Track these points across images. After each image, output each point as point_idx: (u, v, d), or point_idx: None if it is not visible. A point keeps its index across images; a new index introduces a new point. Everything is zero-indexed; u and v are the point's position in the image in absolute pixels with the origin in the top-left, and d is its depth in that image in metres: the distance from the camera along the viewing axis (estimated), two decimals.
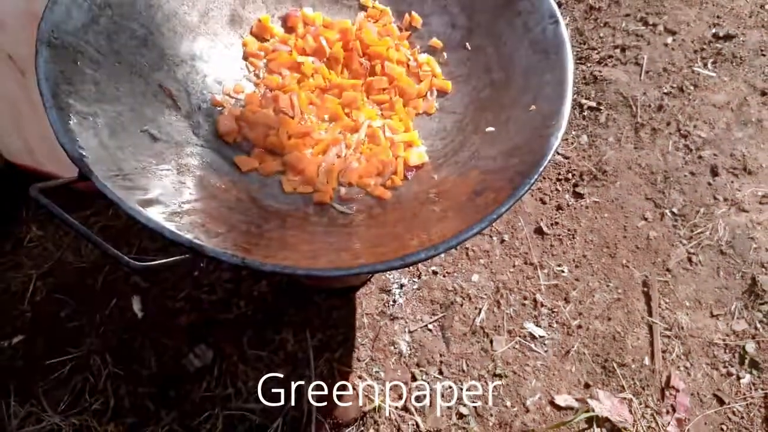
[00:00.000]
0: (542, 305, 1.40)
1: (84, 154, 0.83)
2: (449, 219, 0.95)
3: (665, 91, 1.84)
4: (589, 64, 1.89)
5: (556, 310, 1.39)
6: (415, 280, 1.40)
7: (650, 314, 1.40)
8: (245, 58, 1.22)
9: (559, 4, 1.14)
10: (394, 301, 1.37)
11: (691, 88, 1.85)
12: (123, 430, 1.14)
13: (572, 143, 1.72)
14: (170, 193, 0.91)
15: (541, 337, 1.34)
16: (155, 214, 0.81)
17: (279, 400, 1.20)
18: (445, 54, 1.26)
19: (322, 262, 0.85)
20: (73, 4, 0.95)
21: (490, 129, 1.12)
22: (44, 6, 0.91)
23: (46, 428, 1.13)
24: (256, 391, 1.21)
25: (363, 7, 1.30)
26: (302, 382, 1.22)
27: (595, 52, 1.92)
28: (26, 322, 1.28)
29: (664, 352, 1.34)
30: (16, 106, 1.23)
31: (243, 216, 0.96)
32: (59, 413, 1.15)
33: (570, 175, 1.65)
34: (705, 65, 1.91)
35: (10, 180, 1.41)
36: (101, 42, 0.98)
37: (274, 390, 1.21)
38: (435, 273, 1.42)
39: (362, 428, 1.18)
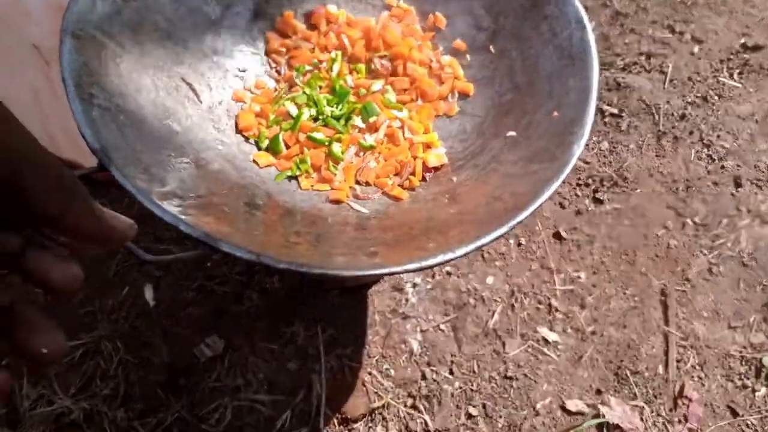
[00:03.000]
0: (557, 310, 1.39)
1: (104, 145, 0.83)
2: (467, 223, 0.94)
3: (689, 100, 1.81)
4: (612, 71, 1.87)
5: (570, 315, 1.38)
6: (429, 279, 1.39)
7: (666, 323, 1.39)
8: (267, 53, 1.22)
9: (585, 8, 1.13)
10: (407, 300, 1.36)
11: (716, 98, 1.82)
12: (133, 416, 1.16)
13: (593, 149, 1.70)
14: (187, 186, 0.91)
15: (554, 341, 1.33)
16: (171, 207, 0.82)
17: (288, 393, 1.20)
18: (468, 56, 1.25)
19: (337, 262, 0.85)
20: None
21: (512, 133, 1.11)
22: None
23: (57, 411, 1.15)
24: (266, 383, 1.22)
25: (387, 6, 1.29)
26: (312, 376, 1.22)
27: (620, 58, 1.90)
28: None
29: (678, 361, 1.33)
30: (38, 96, 1.24)
31: (259, 212, 0.96)
32: (70, 397, 1.17)
33: (590, 180, 1.63)
34: (731, 75, 1.88)
35: None
36: (125, 34, 0.99)
37: (283, 383, 1.22)
38: (449, 274, 1.41)
39: (371, 424, 1.18)
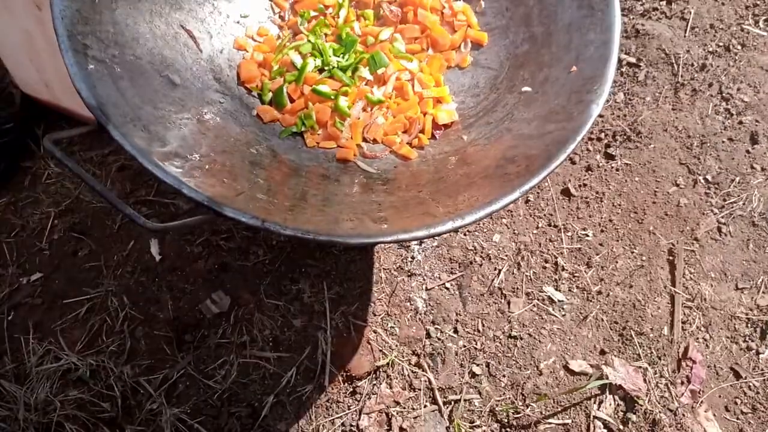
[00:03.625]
0: (563, 269, 1.37)
1: (101, 101, 0.79)
2: (477, 186, 0.91)
3: (710, 49, 1.73)
4: (632, 16, 1.78)
5: (577, 274, 1.37)
6: (435, 237, 1.37)
7: (673, 284, 1.37)
8: None
9: None
10: (413, 258, 1.35)
11: (738, 47, 1.74)
12: (139, 372, 1.16)
13: (607, 101, 1.64)
14: (189, 145, 0.87)
15: (559, 301, 1.32)
16: (173, 169, 0.79)
17: (294, 351, 1.21)
18: (482, 3, 1.18)
19: (344, 228, 0.83)
20: None
21: (527, 89, 1.06)
22: None
23: (63, 366, 1.15)
24: (272, 340, 1.22)
25: None
26: (317, 334, 1.22)
27: (639, 3, 1.80)
28: (44, 260, 1.29)
29: (684, 322, 1.32)
30: (32, 40, 1.18)
31: (264, 172, 0.92)
32: (76, 353, 1.17)
33: (603, 134, 1.58)
34: (756, 23, 1.79)
35: (26, 112, 1.38)
36: None
37: (288, 340, 1.22)
38: (455, 231, 1.39)
39: (375, 382, 1.19)
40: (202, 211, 0.76)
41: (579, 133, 0.90)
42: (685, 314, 1.33)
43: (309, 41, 1.10)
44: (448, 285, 1.33)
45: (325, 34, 1.13)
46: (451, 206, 0.86)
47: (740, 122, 1.61)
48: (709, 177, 1.53)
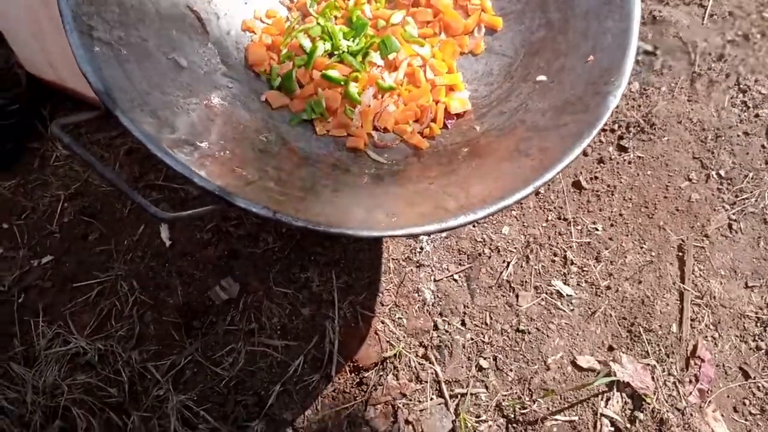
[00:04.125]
0: (572, 263, 1.35)
1: (108, 85, 0.77)
2: (490, 179, 0.89)
3: (729, 38, 1.69)
4: (649, 2, 1.74)
5: (586, 269, 1.35)
6: None
7: (683, 280, 1.36)
8: None
9: None
10: (421, 248, 1.33)
11: (758, 36, 1.70)
12: (146, 357, 1.16)
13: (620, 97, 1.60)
14: (198, 132, 0.86)
15: (568, 295, 1.31)
16: (183, 156, 0.77)
17: (301, 339, 1.20)
18: None
19: (355, 220, 0.81)
20: None
21: (542, 78, 1.04)
22: None
23: (72, 350, 1.15)
24: (280, 328, 1.21)
25: None
26: (325, 323, 1.22)
27: None
28: (54, 243, 1.28)
29: (693, 320, 1.31)
30: (37, 20, 1.16)
31: (274, 160, 0.91)
32: (85, 337, 1.17)
33: (616, 126, 1.56)
34: None
35: (32, 93, 1.36)
36: None
37: (296, 328, 1.21)
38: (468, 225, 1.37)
39: (382, 373, 1.19)
40: (213, 200, 0.75)
41: (595, 127, 0.88)
42: (694, 311, 1.32)
43: (318, 24, 1.08)
44: (456, 277, 1.32)
45: (335, 17, 1.11)
46: (464, 200, 0.84)
47: (757, 115, 1.58)
48: (722, 172, 1.51)
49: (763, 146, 1.54)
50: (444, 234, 1.35)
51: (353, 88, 1.03)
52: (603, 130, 1.55)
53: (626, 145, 1.52)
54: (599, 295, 1.32)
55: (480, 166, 0.94)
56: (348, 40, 1.09)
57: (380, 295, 1.27)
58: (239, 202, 0.74)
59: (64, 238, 1.30)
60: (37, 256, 1.27)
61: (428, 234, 0.92)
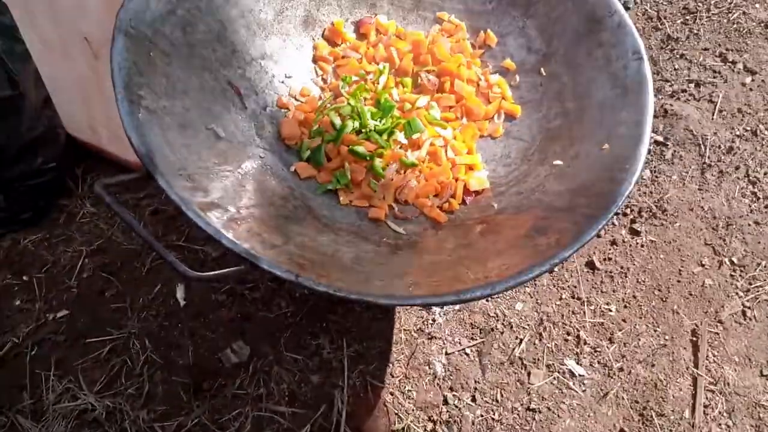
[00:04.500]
0: (585, 343, 1.36)
1: (150, 149, 0.82)
2: (507, 255, 0.91)
3: (737, 133, 1.76)
4: (660, 97, 1.82)
5: (599, 349, 1.35)
6: None
7: (696, 366, 1.35)
8: (314, 61, 1.20)
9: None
10: (434, 320, 1.34)
11: (766, 132, 1.77)
12: (154, 417, 1.15)
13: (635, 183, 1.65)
14: (230, 197, 0.90)
15: (580, 375, 1.30)
16: (214, 219, 0.81)
17: (309, 407, 1.19)
18: (517, 77, 1.22)
19: (375, 287, 0.84)
20: None
21: (558, 162, 1.08)
22: None
23: (80, 407, 1.15)
24: (288, 394, 1.21)
25: (438, 20, 1.27)
26: (334, 392, 1.21)
27: (669, 84, 1.85)
28: (71, 297, 1.31)
29: (706, 406, 1.29)
30: (85, 86, 1.24)
31: (298, 227, 0.94)
32: (95, 393, 1.17)
33: (628, 210, 1.59)
34: None
35: (69, 154, 1.43)
36: (176, 34, 0.98)
37: (305, 396, 1.21)
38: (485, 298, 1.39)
39: None
40: (237, 261, 0.78)
41: (610, 210, 0.91)
42: (707, 398, 1.30)
43: (349, 104, 1.14)
44: (468, 351, 1.32)
45: (365, 98, 1.17)
46: (481, 273, 0.87)
47: (766, 206, 1.62)
48: (734, 259, 1.53)
49: None
50: (457, 306, 1.36)
51: (378, 163, 1.08)
52: (616, 213, 1.58)
53: (639, 229, 1.55)
54: (612, 377, 1.31)
55: (497, 242, 0.96)
56: (375, 119, 1.14)
57: (391, 365, 1.27)
58: (264, 264, 0.76)
59: (81, 293, 1.32)
60: (53, 309, 1.30)
61: (446, 305, 0.94)
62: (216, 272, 0.78)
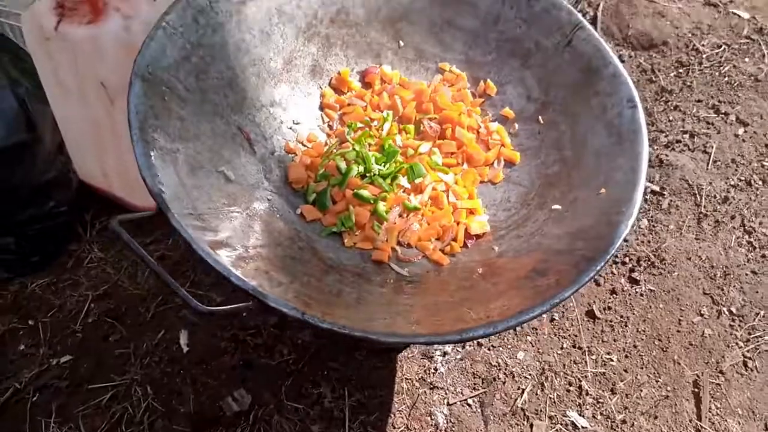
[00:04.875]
0: (587, 393, 1.34)
1: (163, 189, 0.85)
2: (508, 296, 0.93)
3: (732, 183, 1.80)
4: (655, 147, 1.87)
5: (601, 400, 1.34)
6: (459, 349, 1.36)
7: (699, 418, 1.33)
8: (321, 108, 1.25)
9: None
10: (436, 369, 1.33)
11: (760, 182, 1.80)
12: None
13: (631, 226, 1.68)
14: (238, 236, 0.92)
15: (583, 427, 1.28)
16: (223, 258, 0.83)
17: None
18: (516, 125, 1.27)
19: (378, 325, 0.85)
20: (169, 42, 1.00)
21: (557, 207, 1.11)
22: (142, 41, 0.96)
23: None
24: None
25: (440, 70, 1.32)
26: None
27: (663, 135, 1.90)
28: (76, 342, 1.30)
29: None
30: (99, 131, 1.28)
31: (304, 267, 0.96)
32: None
33: (627, 259, 1.61)
34: None
35: (80, 199, 1.46)
36: (190, 80, 1.03)
37: None
38: (480, 345, 1.39)
39: None
40: (244, 299, 0.79)
41: (608, 252, 0.93)
42: None
43: (354, 149, 1.18)
44: (470, 401, 1.31)
45: (369, 144, 1.21)
46: (483, 313, 0.88)
47: (763, 256, 1.64)
48: (733, 309, 1.53)
49: None
50: (459, 355, 1.36)
51: (381, 206, 1.11)
52: (614, 262, 1.60)
53: (638, 278, 1.56)
54: (615, 429, 1.29)
55: (498, 284, 0.98)
56: (379, 164, 1.18)
57: (392, 416, 1.26)
58: (271, 302, 0.78)
59: (85, 338, 1.32)
60: (56, 354, 1.29)
61: (448, 343, 0.95)
62: (224, 307, 0.79)
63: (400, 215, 1.13)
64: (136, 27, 1.14)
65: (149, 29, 0.97)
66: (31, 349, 1.29)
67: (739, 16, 2.25)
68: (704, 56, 2.10)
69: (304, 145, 1.19)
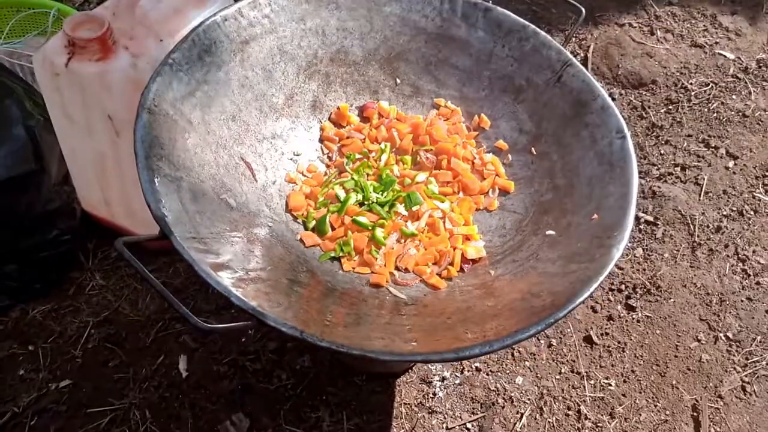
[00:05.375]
0: (586, 417, 1.35)
1: (166, 214, 0.88)
2: (504, 317, 0.95)
3: (724, 213, 1.83)
4: (648, 179, 1.91)
5: (600, 424, 1.34)
6: (458, 374, 1.38)
7: None
8: (321, 140, 1.29)
9: None
10: (434, 394, 1.34)
11: (752, 213, 1.84)
12: None
13: (627, 255, 1.71)
14: (239, 259, 0.95)
15: None
16: (224, 279, 0.85)
17: None
18: (510, 156, 1.30)
19: (376, 345, 0.87)
20: (175, 78, 1.05)
21: (551, 232, 1.14)
22: (149, 77, 1.01)
23: None
24: None
25: (436, 106, 1.37)
26: None
27: (655, 168, 1.95)
28: (75, 367, 1.32)
29: None
30: (103, 162, 1.32)
31: (303, 290, 0.99)
32: None
33: (623, 286, 1.63)
34: (766, 192, 1.90)
35: (83, 228, 1.49)
36: (195, 113, 1.07)
37: None
38: (478, 369, 1.40)
39: None
40: (246, 319, 0.81)
41: (601, 274, 0.95)
42: None
43: (353, 179, 1.22)
44: (469, 426, 1.31)
45: (367, 174, 1.24)
46: (479, 333, 0.90)
47: (758, 283, 1.66)
48: (729, 334, 1.55)
49: (767, 311, 1.59)
50: (457, 380, 1.37)
51: (379, 232, 1.14)
52: (611, 289, 1.63)
53: (634, 305, 1.58)
54: None
55: (494, 306, 1.00)
56: (377, 193, 1.21)
57: None
58: (270, 321, 0.80)
59: (85, 363, 1.33)
60: (56, 379, 1.30)
61: (445, 362, 0.96)
62: (224, 325, 0.81)
63: (398, 240, 1.16)
64: (144, 64, 1.19)
65: (156, 66, 1.02)
66: (30, 374, 1.30)
67: (725, 56, 2.33)
68: (692, 94, 2.17)
69: (305, 175, 1.23)
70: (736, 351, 1.52)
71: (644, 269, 1.68)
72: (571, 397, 1.38)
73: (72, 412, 1.25)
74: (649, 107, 2.12)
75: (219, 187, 1.06)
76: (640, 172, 1.92)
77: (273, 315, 0.81)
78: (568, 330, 1.52)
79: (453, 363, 1.38)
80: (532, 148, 1.29)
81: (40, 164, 1.33)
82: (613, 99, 2.08)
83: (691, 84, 2.20)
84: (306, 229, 1.15)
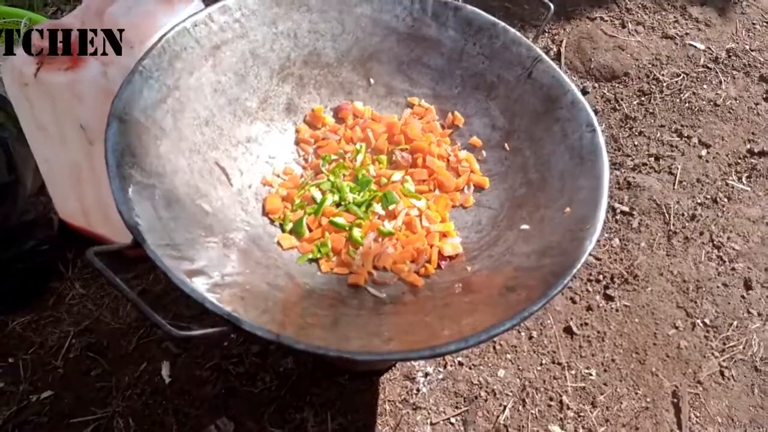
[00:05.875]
0: (568, 407, 1.37)
1: (139, 222, 0.88)
2: (480, 312, 0.96)
3: (699, 201, 1.86)
4: (623, 170, 1.94)
5: (582, 414, 1.36)
6: (441, 369, 1.39)
7: (680, 427, 1.36)
8: (297, 143, 1.30)
9: (595, 112, 1.21)
10: (418, 390, 1.36)
11: (725, 200, 1.87)
12: None
13: (604, 245, 1.73)
14: (214, 265, 0.95)
15: None
16: (199, 285, 0.86)
17: None
18: (484, 152, 1.32)
19: (354, 345, 0.88)
20: (145, 85, 1.04)
21: (525, 227, 1.15)
22: (120, 84, 1.00)
23: None
24: None
25: (410, 105, 1.38)
26: None
27: (630, 159, 1.97)
28: (57, 378, 1.31)
29: None
30: (78, 172, 1.32)
31: (280, 293, 0.99)
32: None
33: (601, 276, 1.65)
34: (739, 179, 1.94)
35: (61, 238, 1.48)
36: (167, 120, 1.07)
37: None
38: (461, 364, 1.41)
39: None
40: (220, 324, 0.82)
41: (574, 266, 0.97)
42: None
43: (329, 180, 1.22)
44: (453, 420, 1.33)
45: (344, 175, 1.25)
46: (455, 329, 0.91)
47: (733, 269, 1.69)
48: (707, 320, 1.57)
49: (743, 296, 1.62)
50: (440, 375, 1.38)
51: (357, 232, 1.15)
52: (589, 280, 1.65)
53: (612, 295, 1.61)
54: None
55: (472, 302, 1.01)
56: (354, 193, 1.22)
57: None
58: (246, 326, 0.80)
59: (67, 373, 1.33)
60: (37, 391, 1.30)
61: (422, 359, 0.97)
62: (198, 332, 0.82)
63: (375, 240, 1.16)
64: (114, 72, 1.18)
65: (126, 74, 1.02)
66: (10, 387, 1.29)
67: (695, 47, 2.36)
68: (664, 84, 2.20)
69: (281, 178, 1.23)
70: (714, 336, 1.54)
71: (621, 259, 1.70)
72: (553, 387, 1.40)
73: (54, 423, 1.24)
74: (622, 99, 2.15)
75: (194, 192, 1.06)
76: (614, 164, 1.95)
77: (248, 320, 0.81)
78: (548, 321, 1.54)
79: (435, 359, 1.40)
80: (506, 144, 1.30)
81: (14, 175, 1.32)
82: (586, 93, 2.10)
83: (662, 75, 2.23)
84: (283, 231, 1.15)
